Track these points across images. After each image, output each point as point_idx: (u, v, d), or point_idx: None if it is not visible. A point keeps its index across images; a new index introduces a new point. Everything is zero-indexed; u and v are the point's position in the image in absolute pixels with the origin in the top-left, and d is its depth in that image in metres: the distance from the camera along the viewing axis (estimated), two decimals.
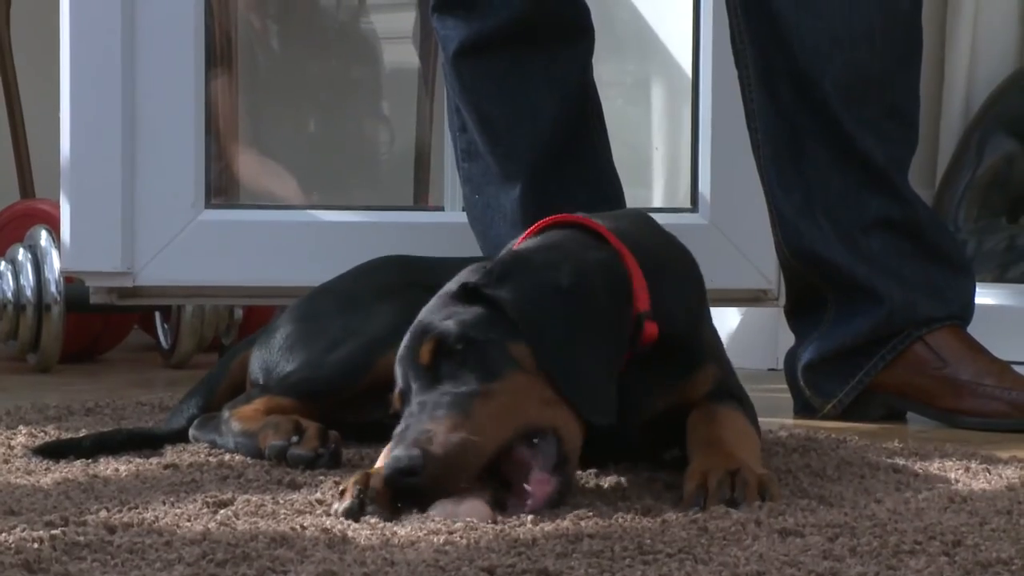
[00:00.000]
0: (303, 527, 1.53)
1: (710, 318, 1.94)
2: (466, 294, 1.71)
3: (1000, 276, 3.45)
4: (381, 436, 1.97)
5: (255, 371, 2.14)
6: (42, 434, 2.16)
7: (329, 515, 1.61)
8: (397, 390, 1.71)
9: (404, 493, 1.59)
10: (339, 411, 2.07)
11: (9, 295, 3.20)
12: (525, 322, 1.68)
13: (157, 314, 3.40)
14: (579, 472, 1.82)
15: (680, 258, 1.92)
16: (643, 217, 1.97)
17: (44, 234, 3.21)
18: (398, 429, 1.65)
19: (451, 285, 1.76)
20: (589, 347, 1.70)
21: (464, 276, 1.75)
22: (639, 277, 1.79)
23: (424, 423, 1.61)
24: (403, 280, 2.15)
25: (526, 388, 1.66)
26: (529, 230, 1.89)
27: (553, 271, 1.73)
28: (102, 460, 1.97)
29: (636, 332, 1.76)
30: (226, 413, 2.06)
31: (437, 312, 1.73)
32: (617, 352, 1.74)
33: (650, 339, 1.78)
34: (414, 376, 1.68)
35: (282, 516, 1.61)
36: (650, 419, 1.84)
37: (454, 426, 1.60)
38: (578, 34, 2.53)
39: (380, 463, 1.70)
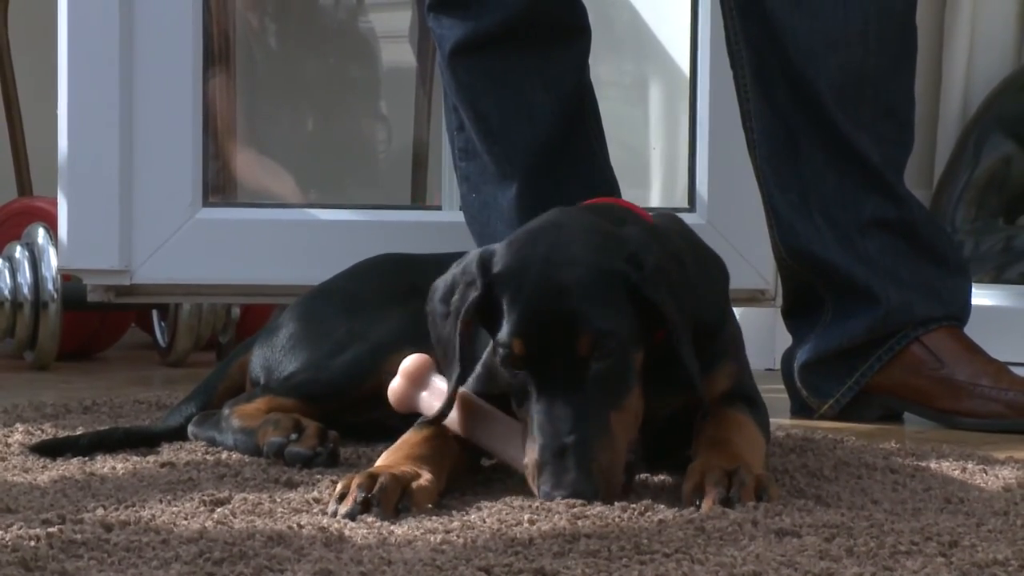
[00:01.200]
0: (300, 526, 1.53)
1: (733, 318, 1.95)
2: (622, 282, 1.69)
3: (997, 277, 3.45)
4: (378, 435, 1.98)
5: (256, 370, 2.14)
6: (39, 432, 2.16)
7: (327, 514, 1.61)
8: (520, 341, 1.66)
9: None
10: (339, 412, 2.07)
11: (6, 293, 3.20)
12: (676, 326, 1.69)
13: (154, 312, 3.40)
14: None
15: (707, 255, 1.93)
16: (674, 216, 1.99)
17: (41, 232, 3.21)
18: (536, 413, 1.65)
19: (602, 254, 1.70)
20: (715, 319, 1.81)
21: (607, 256, 1.70)
22: None
23: (589, 447, 1.63)
24: (404, 281, 2.16)
25: (636, 406, 1.71)
26: (585, 203, 1.89)
27: (689, 270, 1.77)
28: (99, 458, 1.97)
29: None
30: (226, 410, 2.06)
31: (595, 285, 1.68)
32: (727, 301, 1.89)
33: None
34: (562, 361, 1.66)
35: (279, 515, 1.61)
36: (669, 415, 1.84)
37: (608, 449, 1.65)
38: (575, 34, 2.53)
39: (382, 460, 1.70)
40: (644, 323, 1.70)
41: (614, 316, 1.68)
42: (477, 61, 2.49)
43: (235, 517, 1.58)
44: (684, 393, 1.82)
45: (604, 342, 1.67)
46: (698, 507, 1.62)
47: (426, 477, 1.66)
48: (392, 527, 1.54)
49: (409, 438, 1.75)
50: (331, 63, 4.01)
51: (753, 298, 3.07)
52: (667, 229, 1.86)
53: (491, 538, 1.49)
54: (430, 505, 1.63)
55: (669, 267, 1.73)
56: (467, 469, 1.80)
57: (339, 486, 1.63)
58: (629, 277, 1.69)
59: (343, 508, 1.59)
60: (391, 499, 1.60)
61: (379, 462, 1.71)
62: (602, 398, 1.67)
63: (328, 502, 1.64)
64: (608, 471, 1.65)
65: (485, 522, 1.57)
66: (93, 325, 3.43)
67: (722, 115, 2.94)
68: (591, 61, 2.57)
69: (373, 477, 1.61)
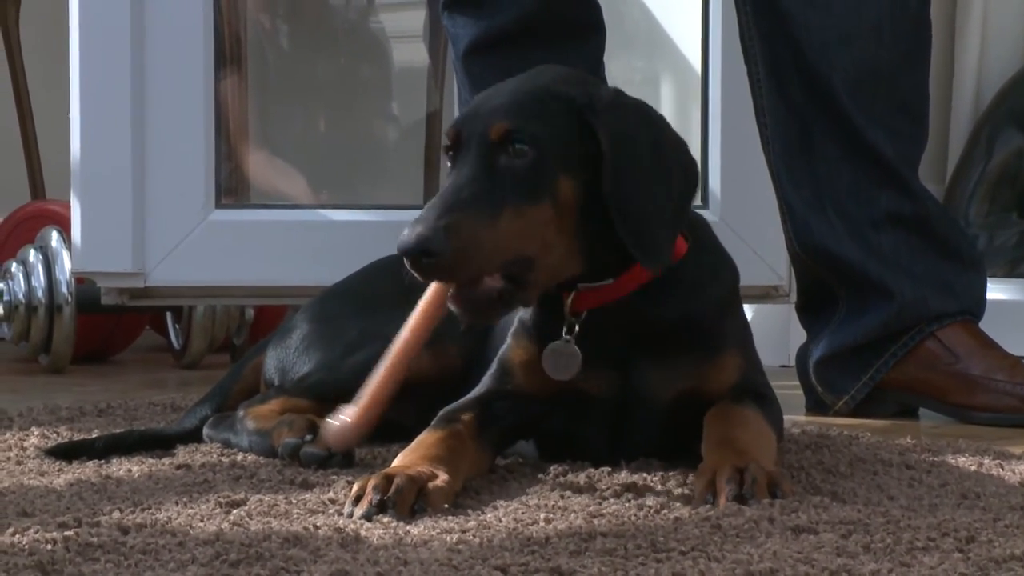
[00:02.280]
0: (316, 527, 1.53)
1: (741, 313, 1.95)
2: (566, 104, 1.76)
3: (1011, 271, 3.45)
4: (393, 435, 1.98)
5: (270, 371, 2.14)
6: (55, 435, 2.16)
7: (342, 515, 1.61)
8: (453, 129, 1.79)
9: (420, 268, 1.70)
10: None
11: (21, 296, 3.20)
12: (615, 161, 1.74)
13: (168, 314, 3.41)
14: (592, 470, 1.82)
15: (716, 249, 1.94)
16: (696, 214, 2.00)
17: (55, 235, 3.21)
18: (440, 193, 1.73)
19: (559, 84, 1.79)
20: (665, 194, 1.78)
21: (568, 84, 1.80)
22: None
23: (458, 209, 1.70)
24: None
25: (546, 223, 1.73)
26: None
27: (652, 117, 1.81)
28: (115, 461, 1.98)
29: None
30: (241, 412, 2.07)
31: (532, 97, 1.78)
32: (690, 200, 1.82)
33: (677, 254, 1.83)
34: (476, 140, 1.76)
35: (295, 516, 1.61)
36: (670, 403, 1.84)
37: (479, 227, 1.69)
38: (589, 32, 2.53)
39: (398, 461, 1.70)
40: (586, 154, 1.76)
41: (540, 125, 1.75)
42: (491, 59, 2.49)
43: (251, 519, 1.59)
44: (690, 377, 1.83)
45: (517, 136, 1.74)
46: (711, 505, 1.62)
47: (442, 478, 1.65)
48: (408, 527, 1.54)
49: (425, 438, 1.75)
50: (343, 63, 4.01)
51: (767, 294, 3.07)
52: None
53: (507, 537, 1.49)
54: (446, 505, 1.63)
55: (630, 116, 1.79)
56: (482, 470, 1.80)
57: (355, 488, 1.63)
58: (575, 100, 1.77)
59: (359, 510, 1.59)
60: (407, 500, 1.60)
61: (395, 462, 1.71)
62: (501, 189, 1.73)
63: (344, 503, 1.64)
64: (468, 241, 1.69)
65: (501, 521, 1.57)
66: (107, 328, 3.44)
67: (734, 112, 2.94)
68: (604, 59, 2.56)
69: (389, 478, 1.61)
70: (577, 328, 1.82)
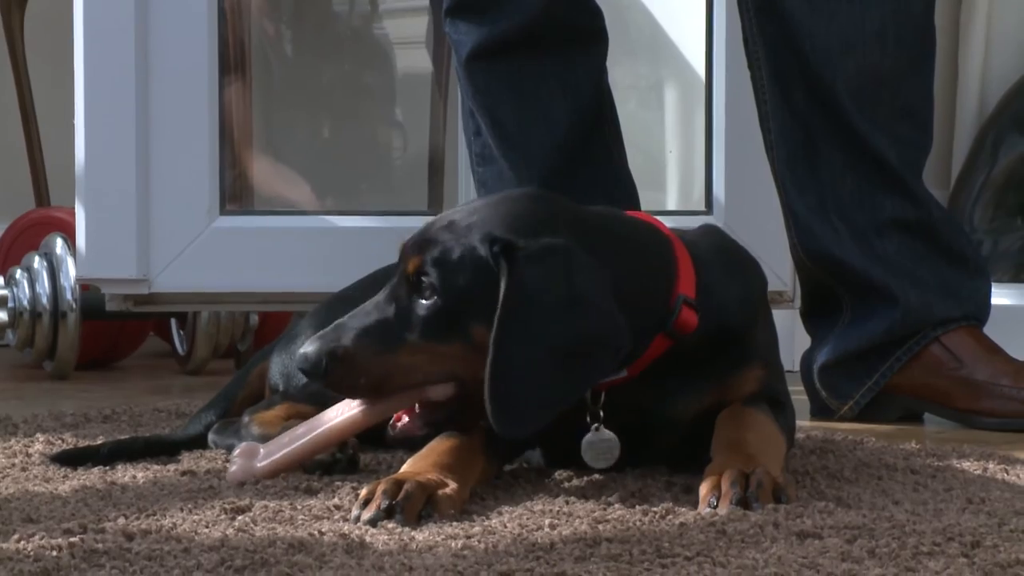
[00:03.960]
0: (321, 533, 1.53)
1: (770, 322, 1.94)
2: (488, 248, 1.72)
3: (1016, 276, 3.45)
4: (398, 441, 1.97)
5: (275, 376, 2.14)
6: (59, 441, 2.16)
7: (347, 520, 1.61)
8: (401, 244, 1.81)
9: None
10: None
11: (25, 303, 3.20)
12: (500, 320, 1.68)
13: (173, 321, 3.41)
14: (596, 475, 1.82)
15: (741, 258, 1.93)
16: (710, 225, 2.00)
17: (59, 242, 3.21)
18: (352, 315, 1.77)
19: (500, 224, 1.74)
20: (549, 373, 1.69)
21: (503, 223, 1.74)
22: (686, 263, 1.81)
23: (355, 336, 1.73)
24: None
25: (455, 359, 1.73)
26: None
27: (571, 281, 1.70)
28: (120, 467, 1.98)
29: (673, 315, 1.78)
30: (246, 418, 2.07)
31: (460, 237, 1.74)
32: (590, 374, 1.72)
33: (687, 326, 1.78)
34: (401, 266, 1.77)
35: (300, 522, 1.61)
36: (696, 417, 1.83)
37: (369, 358, 1.73)
38: (592, 38, 2.53)
39: (407, 467, 1.70)
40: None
41: (454, 269, 1.72)
42: (494, 66, 2.49)
43: (256, 525, 1.59)
44: (714, 391, 1.82)
45: (425, 276, 1.74)
46: (715, 508, 1.61)
47: (452, 487, 1.65)
48: (413, 533, 1.54)
49: (437, 446, 1.75)
50: (346, 70, 4.01)
51: (771, 300, 3.05)
52: (684, 230, 1.87)
53: (512, 543, 1.49)
54: (452, 512, 1.62)
55: (538, 276, 1.69)
56: (489, 479, 1.80)
57: (364, 491, 1.62)
58: (492, 247, 1.71)
59: (367, 513, 1.59)
60: (416, 506, 1.60)
61: (404, 468, 1.71)
62: (404, 324, 1.74)
63: (350, 508, 1.64)
64: (350, 371, 1.73)
65: (506, 527, 1.57)
66: (112, 334, 3.44)
67: (738, 117, 2.94)
68: (607, 65, 2.56)
69: (399, 484, 1.61)
70: (602, 413, 1.81)
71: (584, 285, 1.70)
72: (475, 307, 1.71)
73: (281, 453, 1.83)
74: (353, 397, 1.77)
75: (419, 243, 1.76)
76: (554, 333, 1.68)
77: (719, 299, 1.83)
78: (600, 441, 1.81)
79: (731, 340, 1.84)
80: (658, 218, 1.91)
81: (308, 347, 1.75)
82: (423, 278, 1.73)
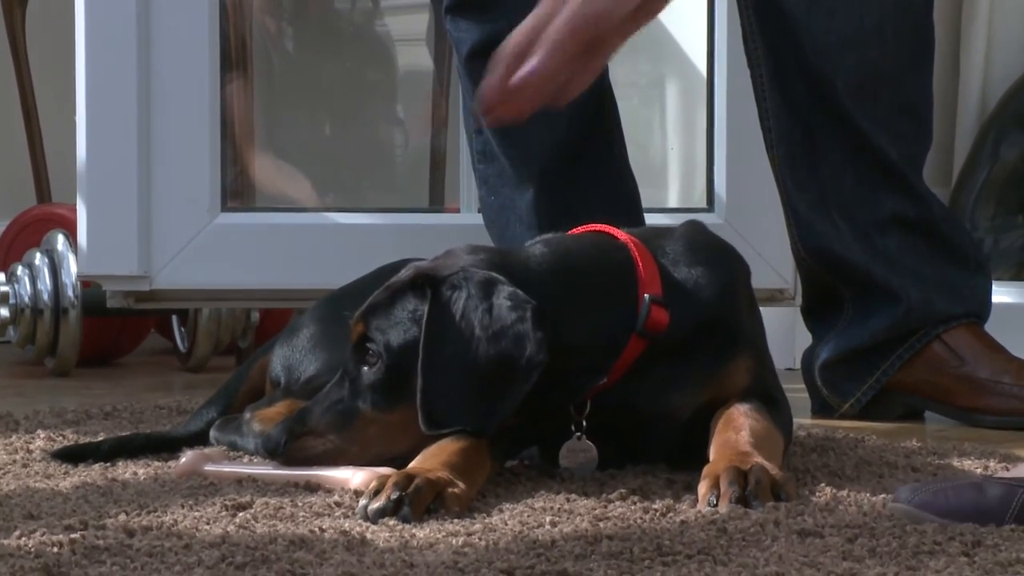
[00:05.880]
0: (322, 529, 1.54)
1: (755, 311, 1.95)
2: (419, 293, 1.78)
3: (1017, 274, 3.44)
4: None
5: (276, 370, 2.14)
6: (60, 438, 2.16)
7: (348, 517, 1.61)
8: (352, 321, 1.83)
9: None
10: None
11: (27, 300, 3.20)
12: (423, 347, 1.74)
13: (174, 317, 3.41)
14: (596, 473, 1.82)
15: (716, 249, 1.94)
16: (690, 220, 2.01)
17: (61, 238, 3.21)
18: (314, 400, 1.83)
19: (427, 268, 1.81)
20: (471, 392, 1.75)
21: (433, 265, 1.81)
22: (648, 263, 1.83)
23: (314, 417, 1.79)
24: None
25: (409, 424, 1.76)
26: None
27: (485, 295, 1.76)
28: (120, 464, 1.98)
29: (642, 316, 1.81)
30: (248, 414, 2.07)
31: (396, 287, 1.80)
32: (507, 399, 1.76)
33: (659, 324, 1.80)
34: (353, 339, 1.80)
35: (301, 519, 1.61)
36: (692, 414, 1.84)
37: (331, 440, 1.79)
38: None
39: (418, 463, 1.71)
40: None
41: (392, 325, 1.78)
42: None
43: (257, 521, 1.59)
44: (703, 387, 1.82)
45: (370, 343, 1.79)
46: (715, 507, 1.61)
47: (461, 487, 1.65)
48: (414, 530, 1.54)
49: (447, 446, 1.74)
50: (348, 67, 4.01)
51: (772, 297, 3.06)
52: (646, 229, 1.92)
53: (513, 540, 1.49)
54: (458, 510, 1.62)
55: (460, 295, 1.76)
56: (490, 478, 1.80)
57: (375, 483, 1.62)
58: (419, 290, 1.78)
59: (376, 503, 1.59)
60: (424, 501, 1.60)
61: (414, 464, 1.71)
62: (358, 396, 1.79)
63: (351, 505, 1.64)
64: (322, 453, 1.78)
65: (507, 524, 1.57)
66: (113, 331, 3.44)
67: (740, 115, 2.93)
68: (608, 63, 2.56)
69: (410, 477, 1.61)
70: (584, 423, 1.84)
71: (500, 307, 1.76)
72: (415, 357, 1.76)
73: (234, 469, 1.86)
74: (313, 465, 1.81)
75: (363, 312, 1.81)
76: (473, 355, 1.75)
77: (693, 292, 1.84)
78: (578, 448, 1.84)
79: (713, 331, 1.85)
80: (655, 216, 1.93)
81: (273, 430, 1.82)
82: (368, 345, 1.79)
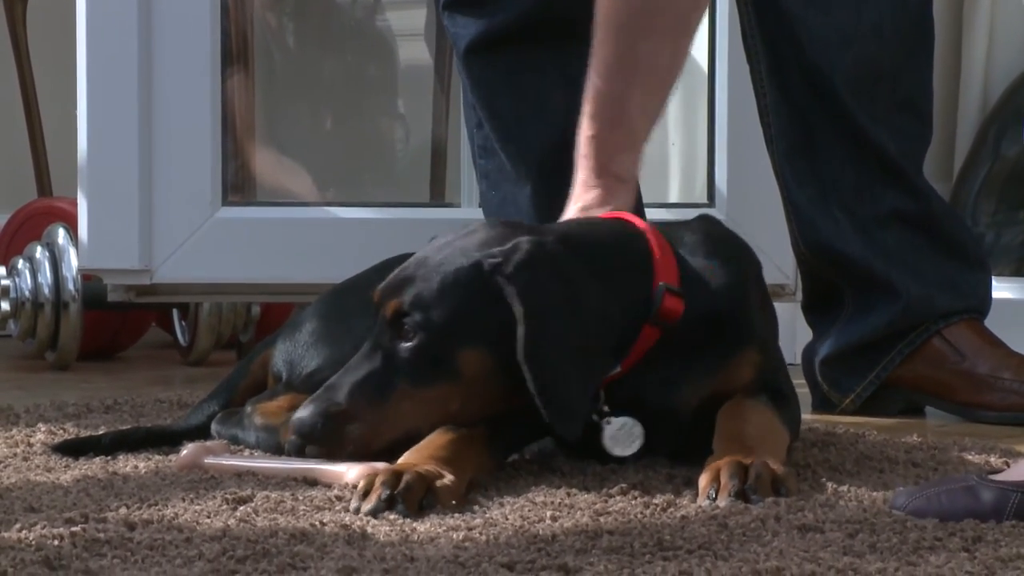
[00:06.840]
0: (323, 523, 1.54)
1: (768, 306, 1.95)
2: (473, 271, 1.74)
3: (1018, 270, 3.45)
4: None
5: (278, 364, 2.14)
6: (61, 431, 2.17)
7: (348, 511, 1.61)
8: (375, 293, 1.81)
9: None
10: None
11: (27, 293, 3.20)
12: (528, 329, 1.70)
13: (175, 311, 3.41)
14: (598, 468, 1.82)
15: (730, 243, 1.94)
16: (704, 214, 2.01)
17: (62, 232, 3.21)
18: (341, 372, 1.78)
19: (475, 248, 1.76)
20: (581, 352, 1.73)
21: (486, 245, 1.77)
22: (665, 253, 1.83)
23: (347, 394, 1.75)
24: None
25: (446, 399, 1.75)
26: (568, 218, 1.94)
27: (568, 271, 1.75)
28: (121, 457, 1.98)
29: (656, 304, 1.80)
30: (249, 408, 2.07)
31: (438, 269, 1.76)
32: (603, 365, 1.77)
33: (673, 313, 1.80)
34: (380, 315, 1.77)
35: (301, 512, 1.61)
36: (698, 407, 1.84)
37: (365, 413, 1.74)
38: (591, 32, 2.52)
39: (406, 458, 1.71)
40: (501, 320, 1.72)
41: (439, 302, 1.74)
42: (492, 59, 2.48)
43: (258, 515, 1.59)
44: (710, 379, 1.82)
45: (408, 317, 1.75)
46: (714, 501, 1.62)
47: (449, 478, 1.65)
48: (415, 524, 1.54)
49: (434, 439, 1.75)
50: (349, 61, 4.01)
51: (773, 293, 3.04)
52: (663, 222, 1.90)
53: (514, 535, 1.49)
54: (453, 502, 1.63)
55: (543, 276, 1.73)
56: (490, 472, 1.80)
57: (362, 483, 1.63)
58: (482, 266, 1.74)
59: (367, 505, 1.59)
60: (416, 496, 1.60)
61: (401, 460, 1.71)
62: (391, 371, 1.75)
63: (351, 500, 1.64)
64: (356, 431, 1.75)
65: (508, 519, 1.57)
66: (114, 325, 3.44)
67: (741, 110, 2.93)
68: None
69: (398, 475, 1.62)
70: (607, 408, 1.82)
71: (579, 273, 1.76)
72: (461, 333, 1.75)
73: (235, 463, 1.85)
74: (344, 459, 1.77)
75: (394, 286, 1.78)
76: (569, 328, 1.72)
77: (707, 284, 1.84)
78: (621, 429, 1.82)
79: (723, 323, 1.85)
80: (662, 209, 1.92)
81: (302, 411, 1.77)
82: (405, 319, 1.76)
